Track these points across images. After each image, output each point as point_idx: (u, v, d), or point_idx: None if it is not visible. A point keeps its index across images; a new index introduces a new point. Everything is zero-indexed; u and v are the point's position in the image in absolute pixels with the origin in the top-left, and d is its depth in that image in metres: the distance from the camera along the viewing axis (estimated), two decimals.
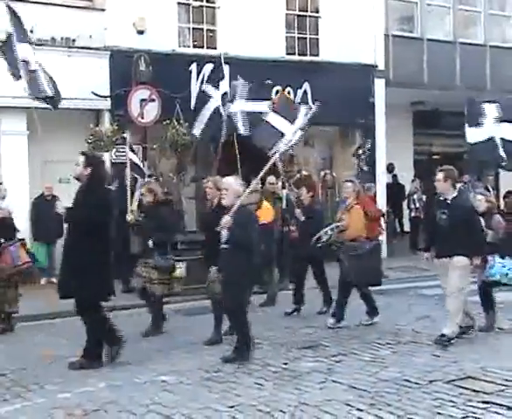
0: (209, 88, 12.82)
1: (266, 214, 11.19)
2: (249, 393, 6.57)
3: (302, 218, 10.64)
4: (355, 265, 9.35)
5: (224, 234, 7.68)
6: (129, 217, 10.15)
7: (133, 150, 12.34)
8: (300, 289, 10.61)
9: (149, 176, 12.61)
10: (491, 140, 10.91)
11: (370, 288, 9.72)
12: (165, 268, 9.27)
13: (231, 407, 6.19)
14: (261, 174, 8.66)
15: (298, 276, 10.79)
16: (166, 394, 6.62)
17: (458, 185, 8.64)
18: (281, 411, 6.04)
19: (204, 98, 12.83)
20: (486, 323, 9.02)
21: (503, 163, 11.37)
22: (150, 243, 9.25)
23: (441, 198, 8.46)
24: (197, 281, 11.12)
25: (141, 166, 12.70)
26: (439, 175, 8.46)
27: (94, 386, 6.93)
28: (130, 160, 11.75)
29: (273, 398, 6.40)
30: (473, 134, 11.00)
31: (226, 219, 7.60)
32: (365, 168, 12.47)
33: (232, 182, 7.94)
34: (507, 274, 8.81)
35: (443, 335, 8.12)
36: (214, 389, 6.73)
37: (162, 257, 9.26)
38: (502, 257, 8.83)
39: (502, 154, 10.89)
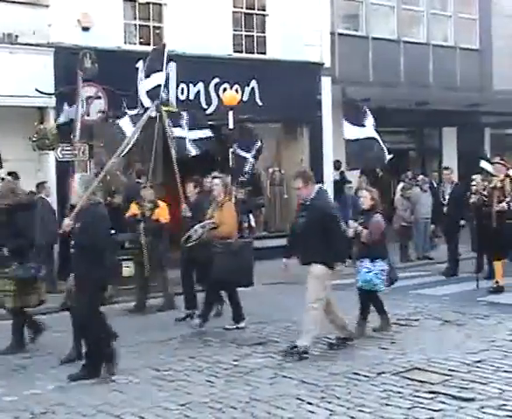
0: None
1: (161, 213, 10.93)
2: (200, 390, 6.58)
3: (188, 214, 10.20)
4: (225, 264, 8.94)
5: (73, 237, 7.07)
6: None
7: None
8: (193, 292, 10.13)
9: (10, 174, 11.71)
10: (371, 139, 11.07)
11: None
12: (24, 279, 8.13)
13: (182, 405, 6.19)
14: (101, 175, 7.88)
15: (186, 278, 10.24)
16: (115, 394, 6.56)
17: (316, 186, 7.93)
18: (232, 407, 6.06)
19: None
20: (380, 324, 8.80)
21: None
22: (5, 250, 8.20)
23: (302, 202, 7.91)
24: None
25: None
26: (299, 182, 7.74)
27: (42, 388, 6.83)
28: None
29: (223, 395, 6.42)
30: (351, 131, 11.11)
31: (66, 221, 7.12)
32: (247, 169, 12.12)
33: (77, 180, 7.31)
34: (370, 280, 8.41)
35: (295, 346, 7.61)
36: (164, 388, 6.72)
37: (21, 267, 8.13)
38: (372, 261, 8.39)
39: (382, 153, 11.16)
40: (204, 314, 9.15)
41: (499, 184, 11.43)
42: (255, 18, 16.66)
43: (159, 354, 8.01)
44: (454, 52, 20.82)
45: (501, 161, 11.91)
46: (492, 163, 12.30)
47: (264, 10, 16.75)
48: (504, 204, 11.23)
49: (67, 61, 13.48)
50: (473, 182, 13.48)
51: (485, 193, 11.64)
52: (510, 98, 20.12)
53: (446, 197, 13.57)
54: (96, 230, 6.90)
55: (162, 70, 11.87)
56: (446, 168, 14.57)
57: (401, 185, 16.52)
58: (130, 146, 9.39)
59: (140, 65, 14.35)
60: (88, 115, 13.21)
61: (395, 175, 18.19)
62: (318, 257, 7.54)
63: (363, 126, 10.96)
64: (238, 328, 9.18)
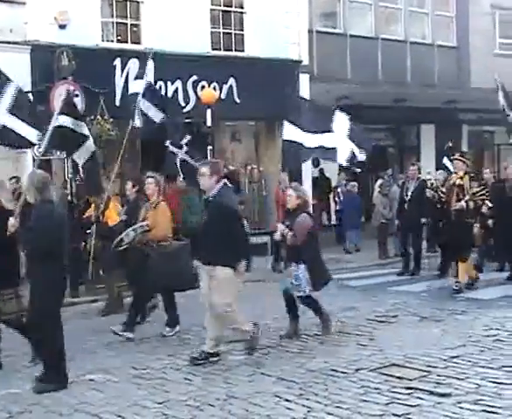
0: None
1: (109, 215, 10.59)
2: (178, 388, 6.58)
3: (123, 218, 9.76)
4: (160, 269, 8.48)
5: (20, 238, 6.88)
6: None
7: None
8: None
9: None
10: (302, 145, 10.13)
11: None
12: None
13: (160, 403, 6.18)
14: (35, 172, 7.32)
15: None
16: (93, 393, 6.55)
17: (221, 181, 7.49)
18: (210, 405, 6.07)
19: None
20: (288, 330, 8.45)
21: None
22: None
23: (205, 197, 7.68)
24: (122, 279, 11.01)
25: None
26: (204, 170, 7.45)
27: (19, 387, 6.79)
28: None
29: (202, 392, 6.43)
30: (290, 132, 10.44)
31: (11, 221, 7.03)
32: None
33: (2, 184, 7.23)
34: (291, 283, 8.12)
35: (246, 347, 7.55)
36: (143, 386, 6.71)
37: None
38: (297, 264, 8.06)
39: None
40: (169, 319, 8.82)
41: (458, 181, 11.03)
42: (233, 16, 16.65)
43: (137, 353, 7.99)
44: (432, 50, 20.96)
45: (461, 158, 11.40)
46: (451, 160, 11.91)
47: (242, 7, 16.74)
48: (463, 203, 10.84)
49: (44, 59, 13.40)
50: (429, 176, 13.03)
51: (443, 189, 11.36)
52: (487, 95, 20.28)
53: (409, 194, 13.09)
54: (41, 230, 6.47)
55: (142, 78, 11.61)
56: (413, 164, 13.99)
57: (379, 182, 16.61)
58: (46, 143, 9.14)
59: (118, 62, 14.39)
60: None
61: (373, 171, 18.28)
62: (222, 258, 7.20)
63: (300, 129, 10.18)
64: (176, 333, 8.77)
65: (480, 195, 11.35)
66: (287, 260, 8.30)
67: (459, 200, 10.90)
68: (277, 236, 8.43)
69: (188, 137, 11.68)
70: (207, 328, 7.58)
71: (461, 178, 11.03)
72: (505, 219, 11.85)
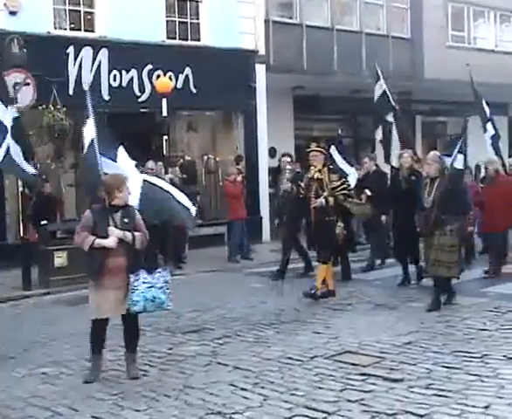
0: None
1: None
2: (133, 380, 6.52)
3: None
4: None
5: None
6: None
7: None
8: None
9: None
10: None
11: None
12: None
13: (115, 394, 6.13)
14: None
15: None
16: (47, 387, 6.46)
17: None
18: (166, 396, 6.05)
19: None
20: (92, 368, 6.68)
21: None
22: None
23: None
24: (78, 270, 10.87)
25: None
26: None
27: None
28: None
29: (157, 383, 6.41)
30: None
31: None
32: None
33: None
34: (153, 298, 6.44)
35: None
36: (97, 378, 6.63)
37: None
38: (150, 273, 6.50)
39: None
40: None
41: (317, 175, 9.90)
42: (189, 5, 16.52)
43: None
44: (387, 41, 21.14)
45: (318, 148, 10.21)
46: (308, 151, 10.34)
47: None
48: (322, 199, 9.72)
49: None
50: (288, 166, 11.78)
51: (302, 184, 10.18)
52: (441, 86, 20.60)
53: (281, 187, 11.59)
54: None
55: None
56: (286, 155, 12.28)
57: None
58: None
59: (71, 50, 14.17)
60: (16, 102, 12.84)
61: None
62: None
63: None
64: None
65: (341, 190, 9.99)
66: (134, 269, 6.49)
67: (317, 196, 9.85)
68: (111, 242, 6.47)
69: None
70: None
71: (320, 171, 9.92)
72: (400, 216, 10.61)
